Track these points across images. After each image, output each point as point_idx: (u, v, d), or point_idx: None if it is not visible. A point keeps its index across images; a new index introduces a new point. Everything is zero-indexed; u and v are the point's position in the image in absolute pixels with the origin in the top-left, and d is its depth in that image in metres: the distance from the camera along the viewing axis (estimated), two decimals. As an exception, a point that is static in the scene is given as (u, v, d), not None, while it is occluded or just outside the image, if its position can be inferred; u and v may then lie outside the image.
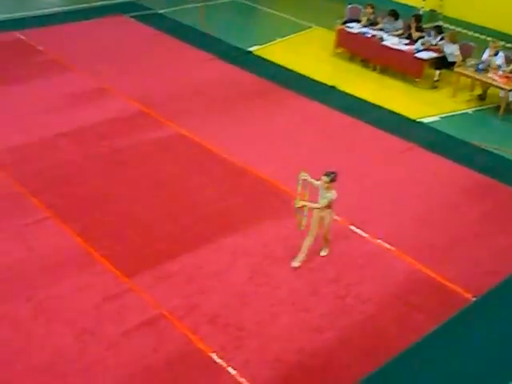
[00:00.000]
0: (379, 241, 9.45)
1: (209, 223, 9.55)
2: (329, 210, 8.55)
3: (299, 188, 8.49)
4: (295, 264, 8.73)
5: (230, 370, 7.13)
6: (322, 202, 8.40)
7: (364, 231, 9.62)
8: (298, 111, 13.40)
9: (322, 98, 13.86)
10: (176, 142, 11.77)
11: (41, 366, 7.03)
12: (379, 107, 13.83)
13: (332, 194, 8.37)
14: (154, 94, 13.54)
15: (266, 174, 10.82)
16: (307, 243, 8.70)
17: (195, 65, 15.32)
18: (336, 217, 8.96)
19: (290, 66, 15.43)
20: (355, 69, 16.00)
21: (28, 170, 10.66)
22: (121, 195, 10.14)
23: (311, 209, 8.57)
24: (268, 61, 15.77)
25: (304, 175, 8.55)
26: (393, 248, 9.32)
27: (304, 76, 15.03)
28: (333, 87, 14.60)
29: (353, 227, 9.69)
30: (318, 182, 8.45)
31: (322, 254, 9.04)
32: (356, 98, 14.19)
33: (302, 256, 8.75)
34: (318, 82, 14.81)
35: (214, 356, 7.28)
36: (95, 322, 7.68)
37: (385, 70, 15.69)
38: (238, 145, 11.75)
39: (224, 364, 7.19)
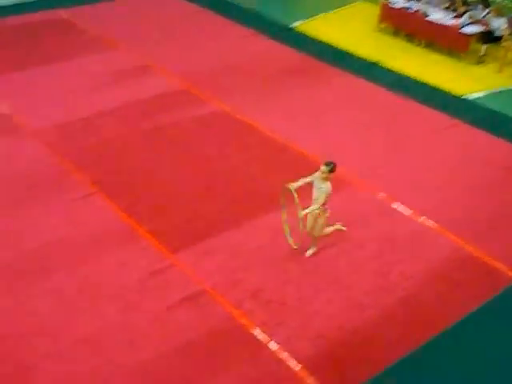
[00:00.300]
0: (422, 218, 9.36)
1: (251, 200, 9.59)
2: (324, 208, 8.16)
3: (296, 199, 7.86)
4: (309, 252, 8.59)
5: (272, 345, 7.19)
6: (320, 200, 8.01)
7: (407, 208, 9.53)
8: (341, 87, 13.28)
9: (366, 74, 13.72)
10: (218, 118, 11.80)
11: (85, 339, 7.20)
12: (424, 83, 13.62)
13: (327, 187, 7.96)
14: (196, 71, 13.58)
15: (308, 151, 10.78)
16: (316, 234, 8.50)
17: (238, 41, 15.30)
18: (381, 194, 8.78)
19: (332, 42, 15.28)
20: (399, 44, 15.76)
21: (74, 146, 10.84)
22: (164, 172, 10.23)
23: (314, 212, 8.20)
24: (310, 36, 15.65)
25: (292, 185, 7.99)
26: (436, 225, 9.22)
27: (347, 52, 14.88)
28: (376, 63, 14.42)
29: (395, 204, 9.60)
30: (315, 174, 8.06)
31: (309, 253, 8.60)
32: (400, 73, 14.00)
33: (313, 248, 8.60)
34: (361, 57, 14.65)
35: (256, 331, 7.35)
36: (139, 296, 7.82)
37: (430, 45, 15.42)
38: (280, 121, 11.73)
39: (266, 339, 7.26)
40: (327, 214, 8.25)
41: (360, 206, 9.53)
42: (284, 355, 7.07)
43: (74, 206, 9.32)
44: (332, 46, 15.08)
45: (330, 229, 8.60)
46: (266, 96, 12.66)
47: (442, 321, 7.66)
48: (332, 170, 7.97)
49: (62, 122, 11.56)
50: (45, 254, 8.44)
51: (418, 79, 13.73)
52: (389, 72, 14.05)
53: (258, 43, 15.18)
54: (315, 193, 8.10)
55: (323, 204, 8.05)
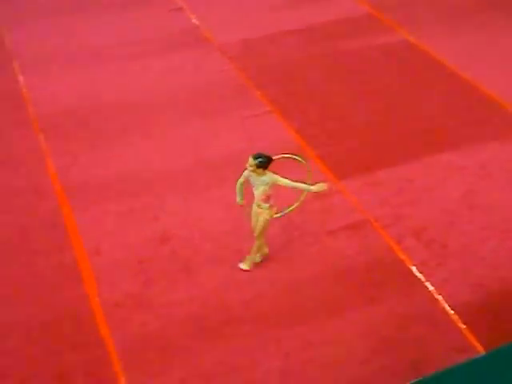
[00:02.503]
0: None
1: (426, 136, 9.32)
2: (265, 205, 7.03)
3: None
4: (242, 266, 7.31)
5: (428, 285, 7.11)
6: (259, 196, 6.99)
7: None
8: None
9: None
10: (403, 49, 11.42)
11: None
12: None
13: (267, 179, 6.83)
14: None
15: (495, 93, 10.17)
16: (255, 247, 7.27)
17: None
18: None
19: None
20: None
21: (254, 64, 11.07)
22: (339, 98, 10.19)
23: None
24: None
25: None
26: None
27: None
28: None
29: None
30: (245, 173, 6.98)
31: (241, 266, 7.32)
32: None
33: (251, 258, 7.34)
34: None
35: (414, 269, 7.29)
36: (302, 217, 7.98)
37: None
38: (470, 58, 11.09)
39: (423, 278, 7.18)
40: (273, 214, 7.13)
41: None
42: (439, 297, 6.98)
43: (250, 123, 9.60)
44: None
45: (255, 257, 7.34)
46: (459, 28, 11.94)
47: None
48: (261, 165, 6.78)
49: (246, 37, 11.80)
50: (221, 165, 8.83)
51: None
52: None
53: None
54: (255, 191, 7.04)
55: (264, 199, 6.99)
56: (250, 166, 6.82)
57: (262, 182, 6.91)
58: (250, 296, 6.99)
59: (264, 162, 6.80)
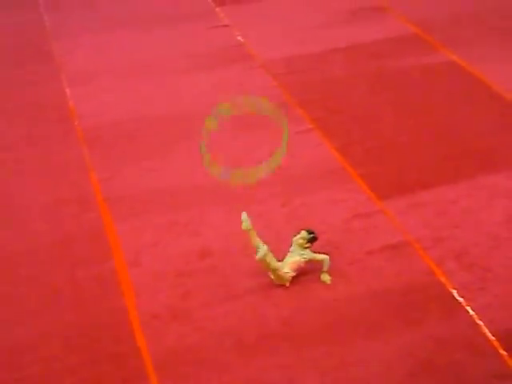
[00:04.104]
0: None
1: (470, 158, 9.20)
2: (290, 272, 7.30)
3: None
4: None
5: (469, 309, 6.98)
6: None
7: None
8: None
9: None
10: (449, 70, 11.30)
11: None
12: None
13: (308, 255, 7.34)
14: (433, 17, 12.97)
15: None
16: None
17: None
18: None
19: None
20: None
21: (298, 81, 11.11)
22: (382, 118, 10.14)
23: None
24: None
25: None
26: None
27: None
28: None
29: None
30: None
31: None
32: None
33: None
34: None
35: (455, 293, 7.17)
36: (341, 236, 7.95)
37: None
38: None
39: (464, 303, 7.05)
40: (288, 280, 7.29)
41: None
42: (480, 322, 6.85)
43: (292, 139, 9.53)
44: None
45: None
46: (505, 52, 11.79)
47: None
48: (312, 241, 7.43)
49: (290, 55, 11.85)
50: (260, 180, 8.75)
51: None
52: None
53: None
54: (288, 257, 7.36)
55: (294, 268, 7.28)
56: (302, 238, 7.35)
57: (300, 255, 7.33)
58: (286, 312, 6.97)
59: (315, 239, 7.44)
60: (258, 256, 7.10)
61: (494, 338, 6.66)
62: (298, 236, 7.40)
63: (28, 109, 10.78)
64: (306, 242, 7.37)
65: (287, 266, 7.24)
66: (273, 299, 7.11)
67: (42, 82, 11.45)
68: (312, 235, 7.41)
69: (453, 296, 7.14)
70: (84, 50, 12.44)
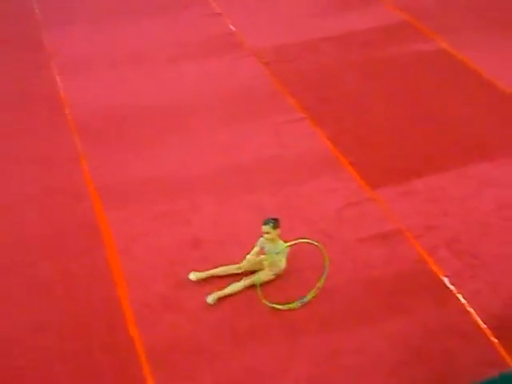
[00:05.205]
0: None
1: (461, 146, 9.22)
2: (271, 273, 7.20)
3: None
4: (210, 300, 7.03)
5: (460, 297, 7.02)
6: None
7: None
8: None
9: None
10: (439, 58, 11.30)
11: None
12: None
13: (281, 248, 7.04)
14: (425, 5, 12.94)
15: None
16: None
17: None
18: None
19: None
20: None
21: (289, 70, 11.08)
22: (373, 106, 10.14)
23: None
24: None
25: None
26: None
27: None
28: None
29: None
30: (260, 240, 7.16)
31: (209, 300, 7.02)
32: None
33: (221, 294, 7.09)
34: None
35: (446, 280, 7.21)
36: (334, 225, 7.97)
37: None
38: (507, 67, 10.93)
39: (455, 290, 7.10)
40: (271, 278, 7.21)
41: None
42: (470, 310, 6.90)
43: (283, 129, 9.61)
44: None
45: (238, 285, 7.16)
46: (494, 39, 11.79)
47: None
48: (276, 225, 7.02)
49: (281, 43, 11.81)
50: (253, 170, 8.87)
51: None
52: None
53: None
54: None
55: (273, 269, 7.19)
56: (266, 232, 6.98)
57: (274, 251, 7.05)
58: (279, 301, 6.98)
59: (277, 221, 7.03)
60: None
61: (485, 325, 6.71)
62: (263, 234, 7.10)
63: (17, 98, 10.71)
64: (271, 229, 7.00)
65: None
66: (265, 288, 7.13)
67: (32, 71, 11.37)
68: (271, 222, 7.02)
69: (444, 284, 7.18)
70: (75, 39, 12.34)
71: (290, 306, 6.90)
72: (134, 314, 6.92)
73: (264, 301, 6.79)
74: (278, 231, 7.06)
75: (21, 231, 8.12)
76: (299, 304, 6.93)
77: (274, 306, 6.84)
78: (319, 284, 6.95)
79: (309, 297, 6.98)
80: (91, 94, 10.67)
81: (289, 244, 6.97)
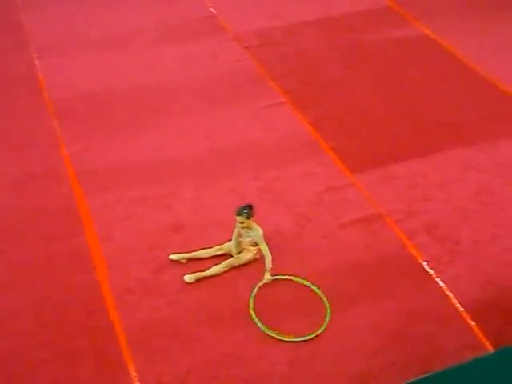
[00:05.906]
0: None
1: (442, 131, 9.26)
2: (252, 248, 7.23)
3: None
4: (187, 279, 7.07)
5: (439, 281, 7.08)
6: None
7: None
8: None
9: None
10: (421, 43, 11.31)
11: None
12: None
13: (255, 232, 7.01)
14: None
15: (512, 90, 10.12)
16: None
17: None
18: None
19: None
20: None
21: (271, 54, 11.02)
22: (355, 91, 10.13)
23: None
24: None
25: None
26: None
27: None
28: None
29: None
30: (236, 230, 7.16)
31: (187, 278, 7.06)
32: None
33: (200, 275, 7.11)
34: None
35: (425, 265, 7.27)
36: (315, 209, 7.98)
37: None
38: (487, 53, 10.99)
39: (434, 275, 7.15)
40: (256, 256, 7.25)
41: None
42: (449, 294, 6.95)
43: (265, 113, 9.58)
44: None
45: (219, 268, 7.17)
46: (479, 22, 11.80)
47: None
48: (250, 214, 6.96)
49: (263, 27, 11.74)
50: (234, 154, 8.83)
51: None
52: None
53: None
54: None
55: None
56: (240, 222, 6.95)
57: (249, 237, 7.07)
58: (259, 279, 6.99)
59: (251, 209, 6.96)
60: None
61: (463, 309, 6.78)
62: (237, 224, 7.09)
63: (-4, 80, 10.59)
64: (245, 218, 6.96)
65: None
66: (245, 273, 7.13)
67: (10, 53, 11.20)
68: (245, 211, 6.96)
69: (423, 268, 7.24)
70: (54, 21, 12.16)
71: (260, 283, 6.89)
72: (114, 299, 6.89)
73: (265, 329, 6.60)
74: (251, 219, 7.02)
75: (1, 215, 8.02)
76: (271, 278, 6.91)
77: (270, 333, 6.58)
78: (323, 325, 6.70)
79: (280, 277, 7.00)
80: (70, 77, 10.54)
81: (277, 277, 6.98)
